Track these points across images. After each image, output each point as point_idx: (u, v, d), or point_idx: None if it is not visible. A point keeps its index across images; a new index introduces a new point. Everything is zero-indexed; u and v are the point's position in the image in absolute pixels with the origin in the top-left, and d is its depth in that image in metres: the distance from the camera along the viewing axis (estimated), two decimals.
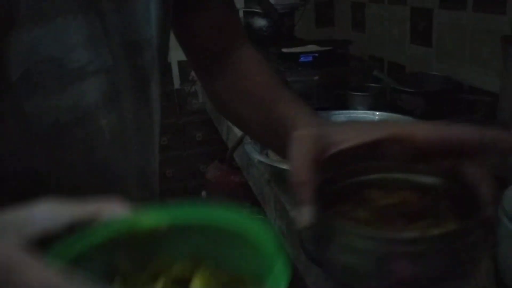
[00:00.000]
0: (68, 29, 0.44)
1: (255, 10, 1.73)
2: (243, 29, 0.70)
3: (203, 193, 2.12)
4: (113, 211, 0.33)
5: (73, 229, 0.32)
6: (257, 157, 0.92)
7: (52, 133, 0.46)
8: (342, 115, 1.07)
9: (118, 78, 0.49)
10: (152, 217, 0.34)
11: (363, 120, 1.01)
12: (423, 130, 0.44)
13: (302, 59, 1.39)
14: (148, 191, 0.59)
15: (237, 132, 1.16)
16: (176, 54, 0.73)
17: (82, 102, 0.47)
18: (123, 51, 0.49)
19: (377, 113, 1.08)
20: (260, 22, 1.73)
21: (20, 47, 0.41)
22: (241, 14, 1.73)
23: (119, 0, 0.48)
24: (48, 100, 0.44)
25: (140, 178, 0.57)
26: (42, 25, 0.42)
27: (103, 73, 0.47)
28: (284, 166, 0.84)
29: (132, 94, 0.52)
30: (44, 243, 0.31)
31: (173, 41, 0.63)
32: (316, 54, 1.39)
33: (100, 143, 0.50)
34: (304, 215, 0.40)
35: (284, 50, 1.45)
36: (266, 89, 0.61)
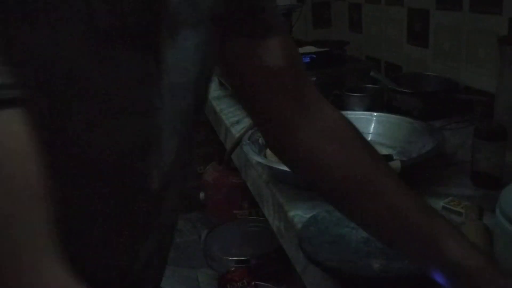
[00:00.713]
0: (122, 65, 0.42)
1: None
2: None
3: (201, 195, 2.12)
4: None
5: None
6: (255, 158, 0.92)
7: (91, 177, 0.44)
8: None
9: (162, 121, 0.47)
10: None
11: None
12: None
13: None
14: (178, 207, 0.60)
15: (235, 133, 1.16)
16: None
17: (121, 144, 0.45)
18: (170, 92, 0.47)
19: (375, 113, 1.08)
20: None
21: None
22: None
23: (174, 39, 0.46)
24: (87, 136, 0.42)
25: (179, 196, 0.58)
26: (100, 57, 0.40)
27: (150, 114, 0.46)
28: (282, 167, 0.84)
29: (173, 137, 0.50)
30: None
31: None
32: (314, 55, 1.40)
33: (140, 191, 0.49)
34: None
35: None
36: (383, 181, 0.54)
